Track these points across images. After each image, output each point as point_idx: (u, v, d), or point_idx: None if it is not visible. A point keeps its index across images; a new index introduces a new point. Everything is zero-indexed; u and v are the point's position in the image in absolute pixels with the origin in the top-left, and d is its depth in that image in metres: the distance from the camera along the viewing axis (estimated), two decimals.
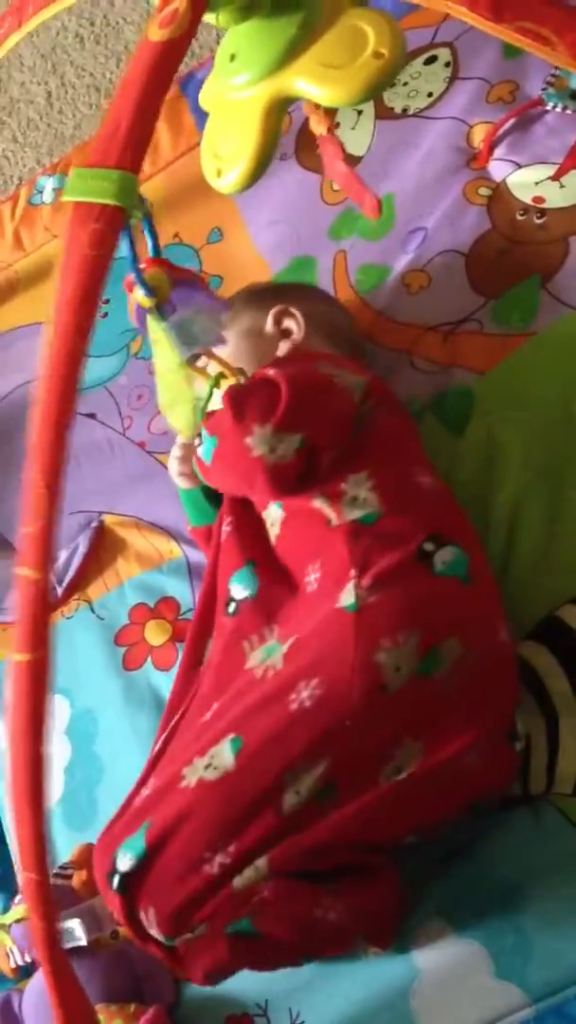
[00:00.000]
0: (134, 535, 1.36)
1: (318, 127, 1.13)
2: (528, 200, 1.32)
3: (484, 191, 1.35)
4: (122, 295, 1.54)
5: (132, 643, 1.29)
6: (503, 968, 0.95)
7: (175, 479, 1.25)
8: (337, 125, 1.46)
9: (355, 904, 0.94)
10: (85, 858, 1.15)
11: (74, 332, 0.77)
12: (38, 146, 1.83)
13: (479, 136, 1.39)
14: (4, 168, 1.78)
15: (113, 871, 0.93)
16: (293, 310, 1.20)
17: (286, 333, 1.20)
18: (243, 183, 0.99)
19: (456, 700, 0.92)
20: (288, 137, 1.54)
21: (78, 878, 1.13)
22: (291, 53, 0.93)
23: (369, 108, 1.49)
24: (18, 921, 1.10)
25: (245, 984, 1.05)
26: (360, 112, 1.49)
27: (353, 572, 0.95)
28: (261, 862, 0.90)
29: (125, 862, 0.92)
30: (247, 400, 1.02)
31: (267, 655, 0.99)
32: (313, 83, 0.91)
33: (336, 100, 0.91)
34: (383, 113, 1.48)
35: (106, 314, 1.53)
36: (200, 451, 1.05)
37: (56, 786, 1.25)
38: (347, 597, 0.95)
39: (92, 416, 1.47)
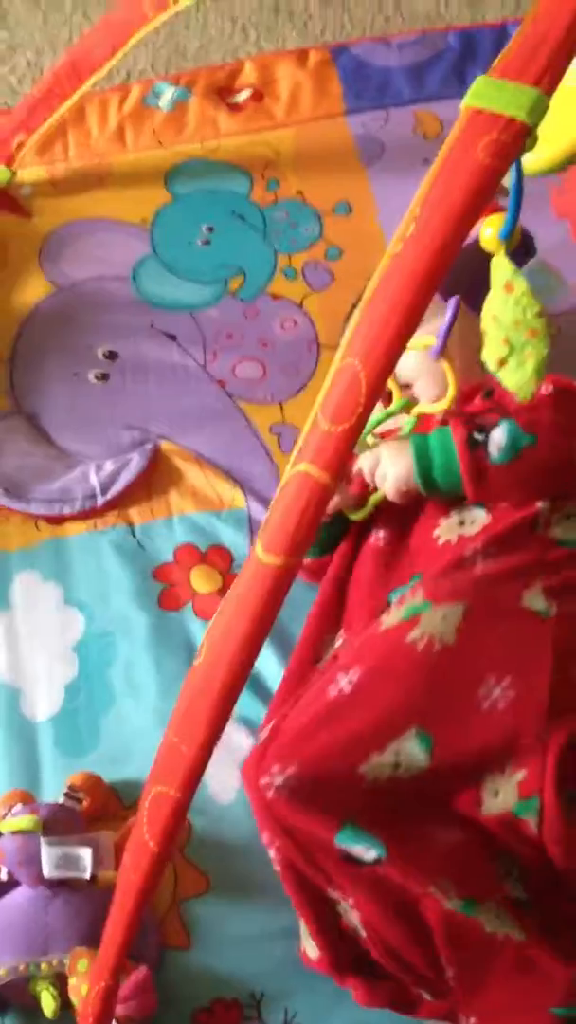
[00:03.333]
0: (194, 471, 1.28)
1: None
2: None
3: None
4: (228, 225, 1.49)
5: (174, 583, 1.20)
6: None
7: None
8: None
9: None
10: (91, 785, 1.05)
11: (448, 240, 0.71)
12: (156, 49, 1.73)
13: None
14: None
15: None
16: None
17: None
18: (545, 167, 0.96)
19: None
20: (434, 142, 1.52)
21: (86, 804, 1.03)
22: None
23: None
24: (14, 832, 0.98)
25: (244, 969, 0.98)
26: None
27: (542, 579, 0.92)
28: None
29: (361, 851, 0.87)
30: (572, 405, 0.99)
31: (414, 611, 0.93)
32: None
33: None
34: None
35: (208, 241, 1.46)
36: (500, 440, 0.96)
37: (52, 700, 1.14)
38: (535, 601, 0.91)
39: (173, 338, 1.38)
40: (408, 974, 0.89)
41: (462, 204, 0.72)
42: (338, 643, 1.00)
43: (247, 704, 1.10)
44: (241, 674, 0.73)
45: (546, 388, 1.03)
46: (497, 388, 1.04)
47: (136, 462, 1.28)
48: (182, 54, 1.74)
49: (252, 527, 1.23)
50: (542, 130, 0.94)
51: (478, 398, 1.07)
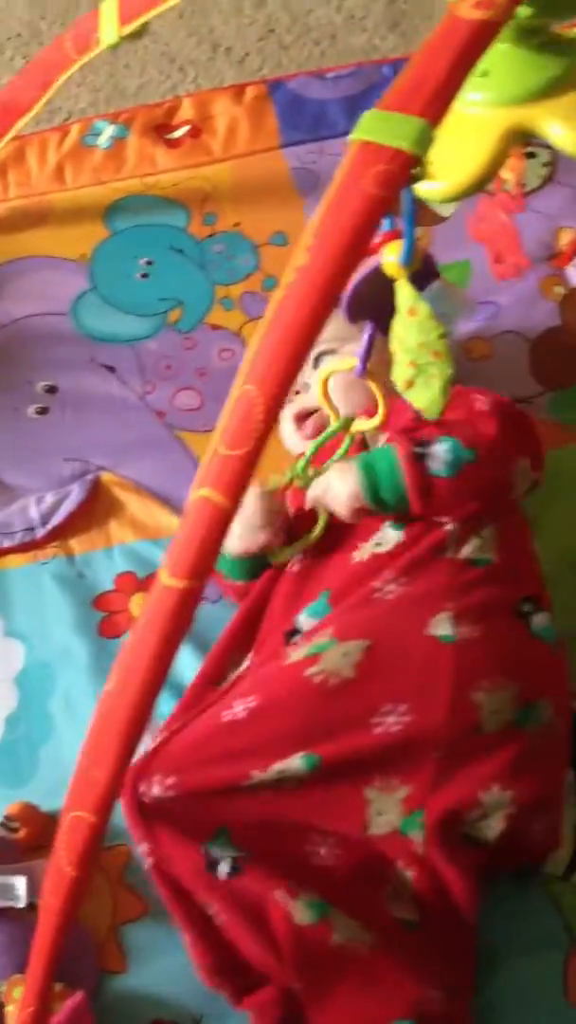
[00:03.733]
0: (133, 500, 1.29)
1: (509, 173, 1.14)
2: None
3: (559, 289, 1.40)
4: (166, 258, 1.51)
5: (114, 611, 1.21)
6: None
7: (241, 537, 1.08)
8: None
9: None
10: (28, 815, 1.06)
11: (338, 268, 0.73)
12: (96, 90, 1.76)
13: (565, 239, 1.44)
14: (54, 99, 1.70)
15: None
16: None
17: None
18: (450, 195, 0.99)
19: (541, 761, 0.91)
20: None
21: (23, 834, 1.04)
22: (548, 91, 0.94)
23: None
24: None
25: (183, 992, 0.99)
26: None
27: (450, 604, 0.94)
28: None
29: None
30: (518, 426, 1.03)
31: (317, 650, 0.95)
32: (565, 127, 0.92)
33: None
34: None
35: (146, 275, 1.49)
36: (443, 455, 0.99)
37: None
38: (441, 627, 0.93)
39: (111, 369, 1.40)
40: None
41: (351, 233, 0.74)
42: (244, 665, 1.02)
43: None
44: (149, 697, 0.74)
45: (481, 404, 1.06)
46: None
47: (76, 493, 1.29)
48: (122, 93, 1.78)
49: None
50: (445, 158, 0.97)
51: (412, 415, 1.09)
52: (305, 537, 1.07)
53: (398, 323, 0.82)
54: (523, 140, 0.97)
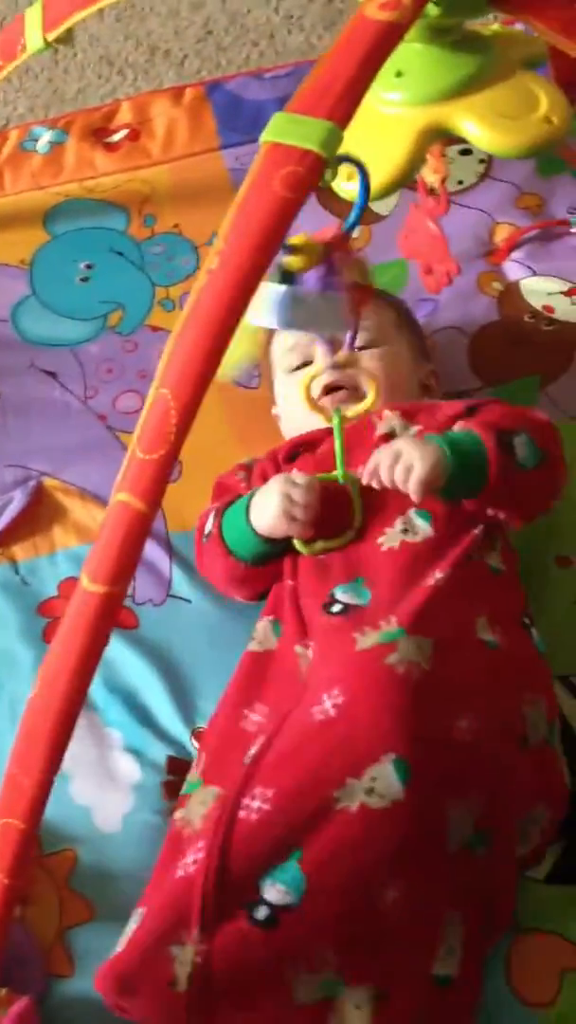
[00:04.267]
0: (76, 505, 1.29)
1: (432, 176, 1.15)
2: (539, 306, 1.39)
3: (497, 285, 1.42)
4: (106, 261, 1.52)
5: (59, 617, 1.17)
6: None
7: (272, 518, 1.05)
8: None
9: None
10: None
11: (249, 268, 0.74)
12: (34, 96, 1.76)
13: (502, 234, 1.45)
14: None
15: (258, 900, 0.85)
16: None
17: (427, 390, 1.22)
18: (371, 195, 1.00)
19: (552, 776, 0.94)
20: None
21: None
22: (462, 90, 0.95)
23: None
24: None
25: None
26: None
27: (486, 608, 0.96)
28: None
29: (276, 894, 0.85)
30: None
31: (390, 639, 0.93)
32: (481, 125, 0.94)
33: (500, 147, 0.94)
34: (411, 183, 1.52)
35: (86, 278, 1.49)
36: (525, 448, 1.00)
37: None
38: (484, 631, 0.95)
39: (53, 375, 1.40)
40: None
41: (261, 234, 0.75)
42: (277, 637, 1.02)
43: (134, 734, 1.12)
44: (74, 703, 0.75)
45: (541, 415, 1.11)
46: (481, 407, 1.11)
47: (18, 500, 1.29)
48: (61, 98, 1.78)
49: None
50: (364, 159, 0.98)
51: (458, 412, 1.10)
52: (346, 533, 1.05)
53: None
54: (441, 139, 0.98)
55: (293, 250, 0.85)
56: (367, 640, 0.93)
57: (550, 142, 0.92)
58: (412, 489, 0.98)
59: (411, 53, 0.97)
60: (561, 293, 1.39)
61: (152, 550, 1.23)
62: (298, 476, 1.05)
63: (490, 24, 1.06)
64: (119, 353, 1.41)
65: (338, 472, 1.06)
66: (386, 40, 0.81)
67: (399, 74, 0.97)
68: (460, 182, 1.51)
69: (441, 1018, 0.88)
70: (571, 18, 0.89)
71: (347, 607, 1.00)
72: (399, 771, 0.86)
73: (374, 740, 0.87)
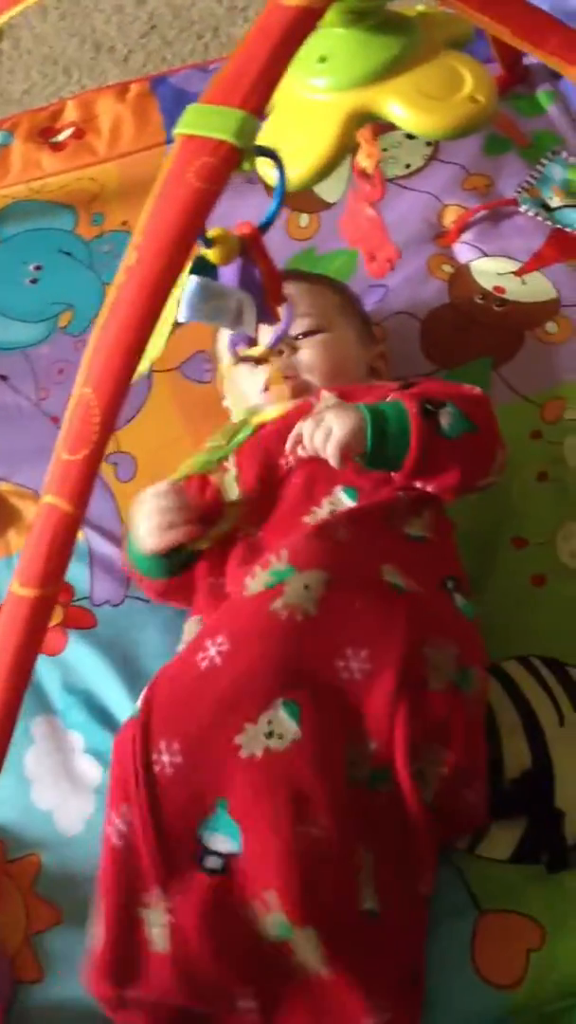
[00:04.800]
0: (31, 508, 1.29)
1: (366, 160, 1.15)
2: (489, 287, 1.38)
3: (447, 268, 1.41)
4: (55, 262, 1.50)
5: None
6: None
7: (151, 536, 1.06)
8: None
9: None
10: None
11: (166, 263, 0.73)
12: None
13: (450, 217, 1.45)
14: None
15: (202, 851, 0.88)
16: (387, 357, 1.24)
17: (375, 372, 1.22)
18: (302, 182, 0.99)
19: (473, 728, 0.93)
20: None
21: None
22: (386, 72, 0.95)
23: (347, 160, 1.52)
24: None
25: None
26: None
27: (394, 561, 0.96)
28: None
29: (219, 842, 0.87)
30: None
31: (277, 579, 0.95)
32: (406, 107, 0.93)
33: (426, 128, 0.93)
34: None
35: (35, 280, 1.48)
36: (450, 419, 1.00)
37: None
38: (391, 575, 0.95)
39: (3, 378, 1.39)
40: (199, 1000, 0.89)
41: (177, 228, 0.75)
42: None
43: (95, 736, 1.11)
44: (10, 708, 0.74)
45: (475, 390, 1.09)
46: (416, 382, 1.12)
47: None
48: (7, 100, 1.77)
49: (92, 558, 1.24)
50: (293, 146, 0.98)
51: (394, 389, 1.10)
52: (228, 515, 1.07)
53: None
54: (369, 123, 0.97)
55: (210, 243, 0.84)
56: (256, 584, 0.96)
57: (477, 121, 0.92)
58: (330, 452, 0.99)
59: (334, 38, 0.96)
60: (511, 273, 1.39)
61: (109, 550, 1.23)
62: (157, 486, 1.07)
63: (416, 6, 1.05)
64: (70, 354, 1.40)
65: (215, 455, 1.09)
66: (299, 26, 0.80)
67: (323, 59, 0.96)
68: (407, 166, 1.50)
69: (388, 951, 0.89)
70: None
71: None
72: (291, 713, 0.89)
73: (261, 687, 0.90)
